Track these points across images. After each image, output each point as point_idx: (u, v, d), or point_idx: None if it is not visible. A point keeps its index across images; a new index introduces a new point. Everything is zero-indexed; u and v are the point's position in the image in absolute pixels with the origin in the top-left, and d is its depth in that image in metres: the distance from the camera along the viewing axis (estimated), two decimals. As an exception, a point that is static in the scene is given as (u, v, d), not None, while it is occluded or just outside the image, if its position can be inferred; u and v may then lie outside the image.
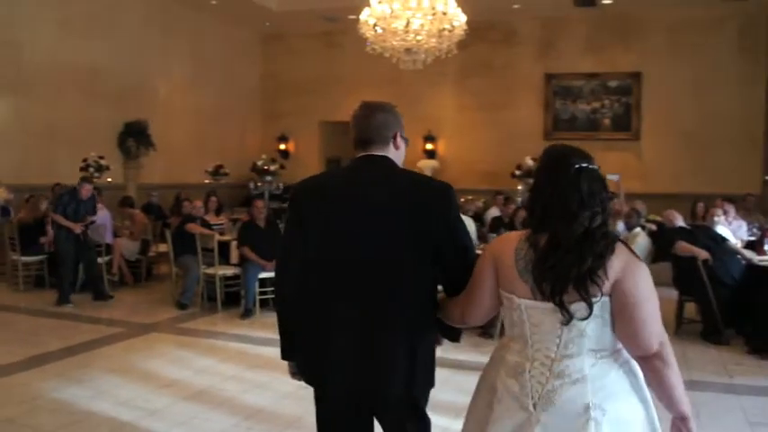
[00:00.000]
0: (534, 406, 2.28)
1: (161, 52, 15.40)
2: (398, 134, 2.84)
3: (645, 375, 2.35)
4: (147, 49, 14.86)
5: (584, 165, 2.34)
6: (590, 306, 2.21)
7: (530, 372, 2.33)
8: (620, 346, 2.34)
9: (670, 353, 2.30)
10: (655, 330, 2.27)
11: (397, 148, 2.84)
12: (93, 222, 9.76)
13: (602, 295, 2.23)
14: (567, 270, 2.23)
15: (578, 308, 2.23)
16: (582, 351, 2.28)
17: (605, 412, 2.24)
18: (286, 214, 2.92)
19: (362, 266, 2.66)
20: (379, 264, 2.65)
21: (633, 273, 2.26)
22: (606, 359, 2.31)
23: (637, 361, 2.35)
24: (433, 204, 2.68)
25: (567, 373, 2.28)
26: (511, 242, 2.43)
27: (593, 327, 2.26)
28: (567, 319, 2.24)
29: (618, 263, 2.25)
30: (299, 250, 2.74)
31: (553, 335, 2.30)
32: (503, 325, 2.47)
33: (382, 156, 2.79)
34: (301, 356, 2.82)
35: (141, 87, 14.70)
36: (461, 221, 2.79)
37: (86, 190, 9.59)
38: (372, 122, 2.80)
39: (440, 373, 2.83)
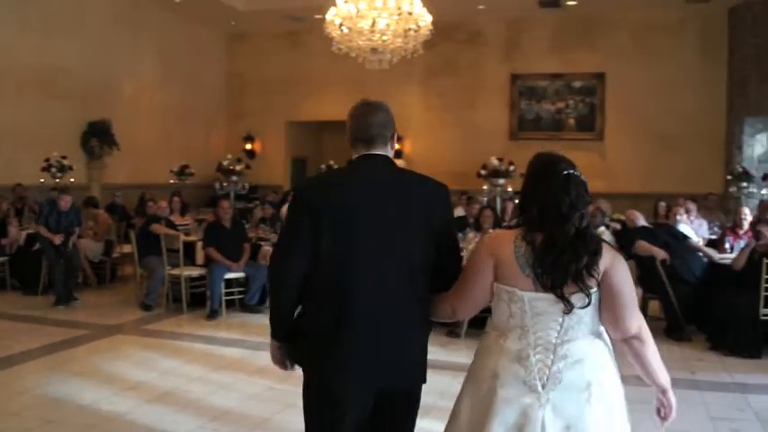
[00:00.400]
0: (543, 387, 2.52)
1: (126, 51, 15.25)
2: (395, 134, 2.91)
3: (627, 354, 2.67)
4: (111, 47, 14.70)
5: (572, 171, 2.62)
6: (588, 297, 2.50)
7: (534, 357, 2.55)
8: (601, 328, 2.65)
9: (647, 332, 2.62)
10: (635, 314, 2.59)
11: (392, 147, 2.91)
12: (72, 234, 9.62)
13: (597, 286, 2.53)
14: (566, 266, 2.49)
15: (578, 298, 2.50)
16: (579, 335, 2.55)
17: (602, 387, 2.56)
18: (293, 208, 2.87)
19: (380, 264, 2.72)
20: (395, 261, 2.73)
21: (618, 266, 2.57)
22: (597, 340, 2.61)
23: (618, 342, 2.65)
24: (436, 204, 2.83)
25: (569, 356, 2.54)
26: (507, 240, 2.63)
27: (589, 314, 2.55)
28: (569, 308, 2.50)
29: (606, 258, 2.55)
30: (308, 245, 2.72)
31: (555, 322, 2.54)
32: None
33: (385, 155, 2.85)
34: (309, 351, 2.80)
35: (105, 86, 14.54)
36: (454, 222, 2.91)
37: (65, 201, 9.60)
38: (375, 121, 2.85)
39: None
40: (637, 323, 2.58)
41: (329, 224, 2.68)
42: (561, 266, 2.49)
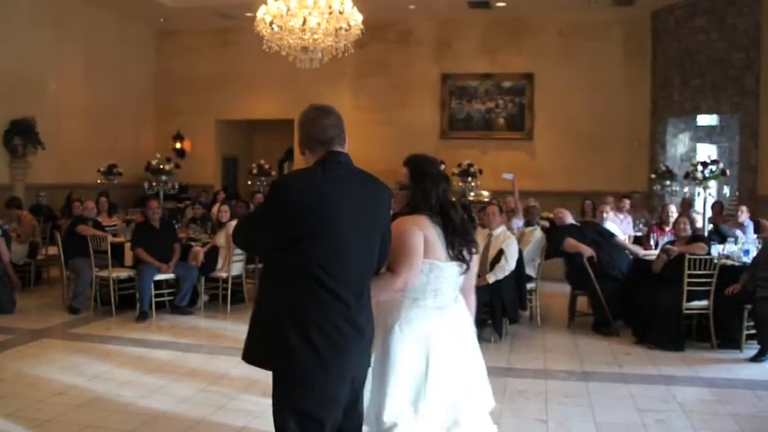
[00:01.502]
0: (457, 331, 3.41)
1: (51, 47, 14.82)
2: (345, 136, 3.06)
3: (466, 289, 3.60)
4: (34, 43, 14.27)
5: (442, 168, 3.37)
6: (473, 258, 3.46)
7: (448, 311, 3.40)
8: None
9: None
10: None
11: (345, 148, 3.05)
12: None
13: None
14: (468, 240, 3.41)
15: (472, 261, 3.45)
16: (458, 287, 3.50)
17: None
18: (270, 203, 2.91)
19: (356, 262, 2.91)
20: (367, 258, 2.99)
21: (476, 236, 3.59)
22: None
23: (465, 287, 3.57)
24: (386, 199, 3.15)
25: (460, 303, 3.51)
26: (425, 223, 3.32)
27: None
28: (467, 268, 3.41)
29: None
30: (270, 240, 2.88)
31: (454, 281, 3.41)
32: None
33: (346, 154, 3.01)
34: (298, 352, 2.80)
35: (28, 83, 14.10)
36: None
37: None
38: (330, 123, 2.99)
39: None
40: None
41: (309, 222, 2.78)
42: (466, 239, 3.38)
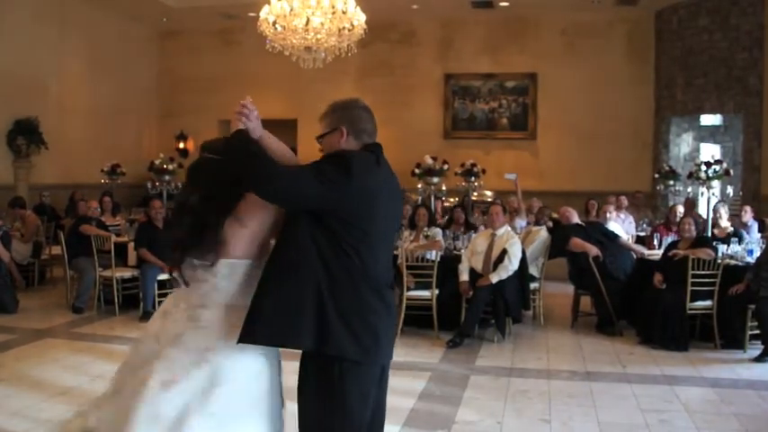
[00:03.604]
0: None
1: (54, 47, 14.83)
2: None
3: None
4: (39, 43, 14.28)
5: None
6: None
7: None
8: None
9: None
10: None
11: None
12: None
13: None
14: None
15: None
16: None
17: None
18: (338, 171, 2.75)
19: (389, 249, 3.01)
20: (392, 246, 3.18)
21: None
22: None
23: None
24: (402, 196, 3.25)
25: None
26: None
27: None
28: None
29: None
30: (313, 196, 2.73)
31: None
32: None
33: None
34: (351, 341, 2.74)
35: (32, 83, 14.11)
36: None
37: None
38: (373, 118, 3.13)
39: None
40: None
41: (356, 205, 2.78)
42: None
